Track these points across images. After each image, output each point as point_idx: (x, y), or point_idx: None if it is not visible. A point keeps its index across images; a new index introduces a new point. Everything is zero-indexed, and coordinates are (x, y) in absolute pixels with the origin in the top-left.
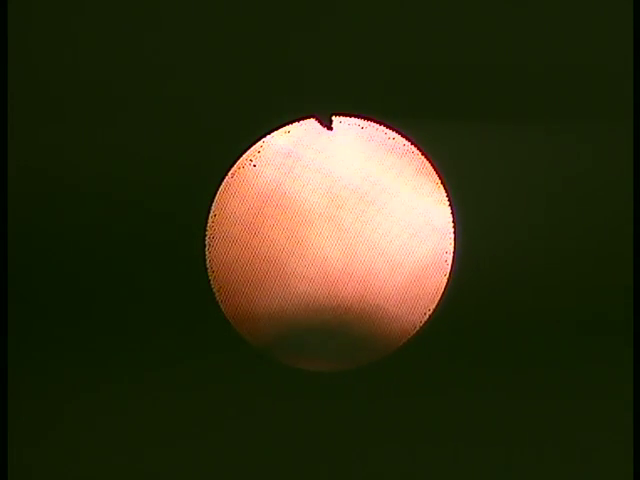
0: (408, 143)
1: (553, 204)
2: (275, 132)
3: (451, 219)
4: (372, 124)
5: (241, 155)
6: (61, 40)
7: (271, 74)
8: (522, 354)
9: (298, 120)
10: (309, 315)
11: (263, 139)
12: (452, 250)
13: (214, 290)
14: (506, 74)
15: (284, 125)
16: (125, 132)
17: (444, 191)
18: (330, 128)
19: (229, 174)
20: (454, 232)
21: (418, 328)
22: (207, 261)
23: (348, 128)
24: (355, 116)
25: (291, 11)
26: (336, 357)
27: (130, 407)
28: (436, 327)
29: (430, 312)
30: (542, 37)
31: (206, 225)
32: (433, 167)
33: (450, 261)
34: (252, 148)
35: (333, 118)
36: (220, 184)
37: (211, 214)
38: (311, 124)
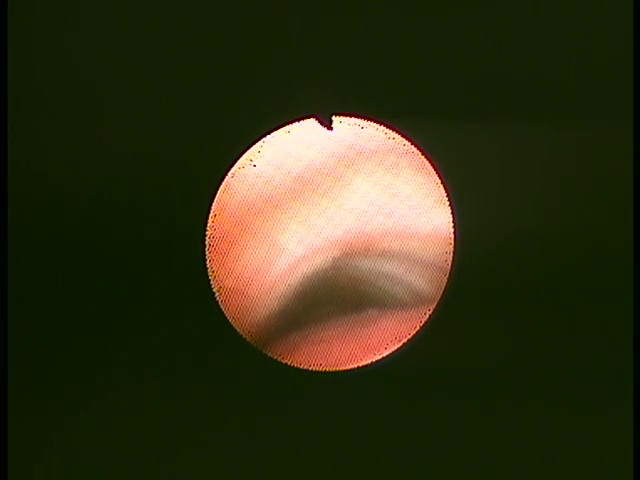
0: (408, 143)
1: (553, 204)
2: (275, 132)
3: (451, 219)
4: (372, 124)
5: (241, 155)
6: (61, 40)
7: (271, 74)
8: (522, 354)
9: (298, 120)
10: (309, 314)
11: (263, 139)
12: (452, 250)
13: (214, 290)
14: (506, 74)
15: (284, 125)
16: (125, 132)
17: (444, 191)
18: (330, 128)
19: (229, 174)
20: (454, 232)
21: (418, 328)
22: (207, 261)
23: (348, 128)
24: (355, 116)
25: (291, 11)
26: (333, 354)
27: (129, 406)
28: (436, 326)
29: (430, 312)
30: (542, 37)
31: (206, 225)
32: (433, 167)
33: (450, 261)
34: (252, 148)
35: (333, 118)
36: (220, 184)
37: (211, 214)
38: (311, 124)
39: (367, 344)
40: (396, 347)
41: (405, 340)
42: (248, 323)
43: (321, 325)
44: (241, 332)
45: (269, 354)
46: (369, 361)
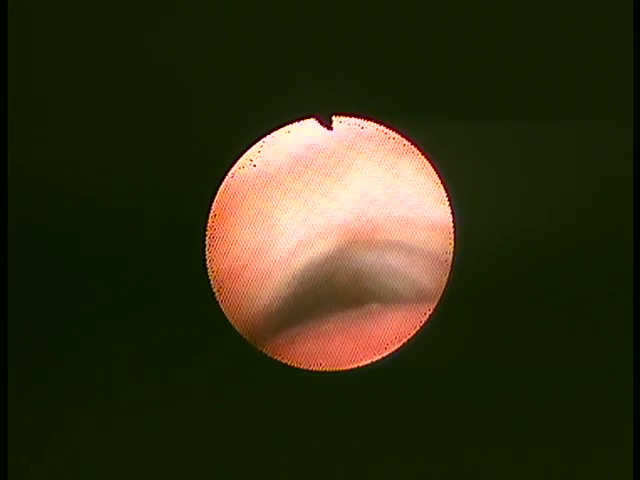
0: (408, 143)
1: (553, 204)
2: (275, 132)
3: (451, 219)
4: (372, 124)
5: (241, 155)
6: (61, 41)
7: (271, 74)
8: (522, 354)
9: (298, 120)
10: (309, 309)
11: (263, 139)
12: (452, 250)
13: (214, 290)
14: (506, 74)
15: (284, 125)
16: (125, 132)
17: (444, 191)
18: (330, 128)
19: (229, 174)
20: (454, 232)
21: (418, 328)
22: (207, 261)
23: (348, 128)
24: (355, 116)
25: (291, 11)
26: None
27: (129, 406)
28: (436, 326)
29: (430, 312)
30: (542, 37)
31: (206, 225)
32: (433, 167)
33: (450, 261)
34: (252, 148)
35: (333, 118)
36: (220, 184)
37: (211, 214)
38: (311, 124)
39: (367, 341)
40: (397, 347)
41: (406, 340)
42: (248, 321)
43: (321, 320)
44: (241, 331)
45: (268, 351)
46: (369, 361)
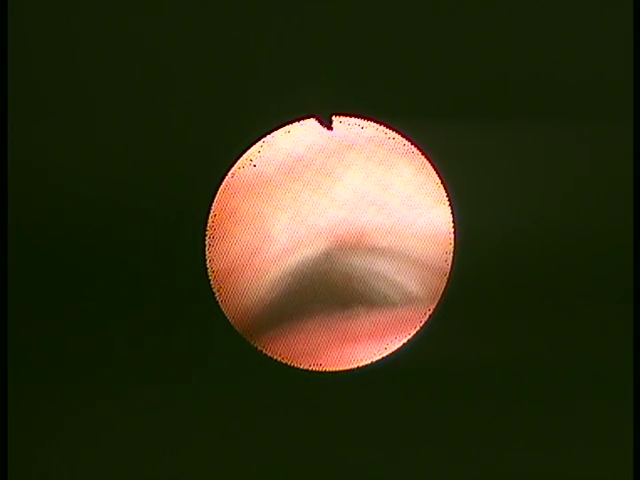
0: (408, 143)
1: (553, 204)
2: (275, 132)
3: (451, 219)
4: (372, 124)
5: (241, 155)
6: (61, 41)
7: (271, 74)
8: (522, 354)
9: (298, 120)
10: (310, 313)
11: (263, 139)
12: (452, 250)
13: (214, 290)
14: (506, 74)
15: (284, 125)
16: (125, 132)
17: (444, 191)
18: (330, 128)
19: (229, 174)
20: (454, 232)
21: (418, 328)
22: (207, 261)
23: (348, 128)
24: (355, 116)
25: (291, 11)
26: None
27: (129, 406)
28: (436, 327)
29: (430, 312)
30: (542, 37)
31: (206, 225)
32: (433, 167)
33: (450, 261)
34: (252, 148)
35: (333, 118)
36: (220, 184)
37: (211, 214)
38: (311, 124)
39: (366, 341)
40: (396, 347)
41: (406, 340)
42: (246, 318)
43: (307, 320)
44: (240, 329)
45: (266, 350)
46: (369, 361)
